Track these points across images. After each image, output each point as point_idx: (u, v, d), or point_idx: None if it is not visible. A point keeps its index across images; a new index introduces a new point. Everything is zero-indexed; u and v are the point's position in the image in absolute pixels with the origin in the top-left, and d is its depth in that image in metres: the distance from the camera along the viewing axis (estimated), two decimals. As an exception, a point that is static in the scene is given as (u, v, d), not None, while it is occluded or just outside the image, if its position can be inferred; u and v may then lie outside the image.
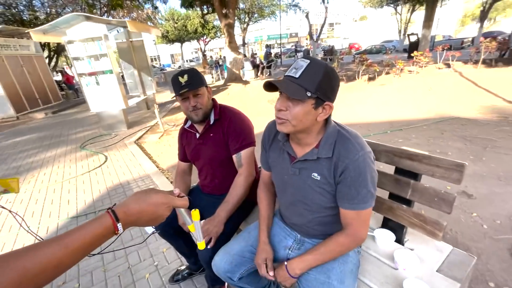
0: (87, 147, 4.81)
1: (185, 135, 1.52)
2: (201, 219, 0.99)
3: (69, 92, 12.85)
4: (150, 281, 1.75)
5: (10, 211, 0.85)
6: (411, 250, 1.16)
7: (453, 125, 3.97)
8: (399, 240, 1.21)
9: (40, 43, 11.93)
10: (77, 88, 13.65)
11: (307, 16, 17.68)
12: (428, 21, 11.16)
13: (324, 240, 0.93)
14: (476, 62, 8.85)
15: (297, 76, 0.78)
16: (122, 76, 7.10)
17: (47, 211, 2.77)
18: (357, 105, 5.84)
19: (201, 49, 31.48)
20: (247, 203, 1.46)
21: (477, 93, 5.61)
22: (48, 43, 15.03)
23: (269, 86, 0.81)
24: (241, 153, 1.35)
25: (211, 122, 1.37)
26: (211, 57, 21.25)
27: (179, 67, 19.22)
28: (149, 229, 2.27)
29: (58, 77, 14.63)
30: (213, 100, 1.42)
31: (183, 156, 1.58)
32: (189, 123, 1.47)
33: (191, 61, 32.93)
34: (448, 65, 9.09)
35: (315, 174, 0.89)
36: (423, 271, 1.05)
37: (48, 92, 10.85)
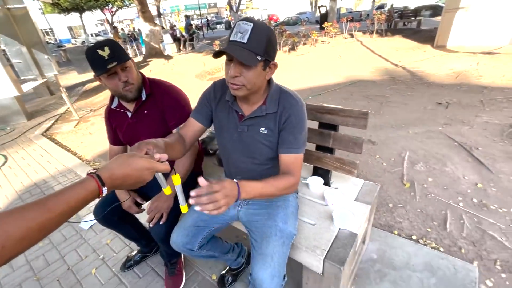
0: None
1: (113, 116, 1.39)
2: (151, 198, 0.99)
3: None
4: (99, 275, 1.65)
5: None
6: (336, 189, 1.44)
7: (359, 87, 4.70)
8: (327, 183, 1.47)
9: None
10: None
11: (224, -15, 16.94)
12: (334, -7, 12.20)
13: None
14: (371, 32, 10.32)
15: (245, 41, 0.81)
16: (5, 56, 5.62)
17: None
18: (280, 75, 6.20)
19: (107, 20, 26.97)
20: (194, 176, 1.49)
21: (374, 59, 6.67)
22: None
23: (218, 53, 0.84)
24: (181, 126, 1.35)
25: (143, 98, 1.30)
26: (122, 29, 18.54)
27: (83, 42, 16.13)
28: (85, 225, 2.09)
29: None
30: (141, 74, 1.33)
31: (114, 139, 1.46)
32: (115, 102, 1.35)
33: (97, 35, 27.96)
34: (352, 35, 10.35)
35: (263, 129, 0.99)
36: (346, 202, 1.32)
37: None
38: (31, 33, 5.95)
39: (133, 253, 1.72)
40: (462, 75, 4.58)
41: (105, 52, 1.09)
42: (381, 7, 20.77)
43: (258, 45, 0.82)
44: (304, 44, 9.40)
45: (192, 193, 0.70)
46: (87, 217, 2.14)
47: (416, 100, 3.80)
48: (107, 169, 0.57)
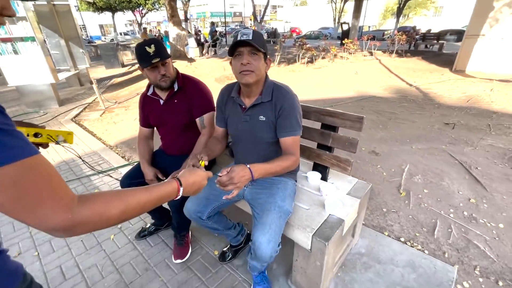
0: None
1: (147, 102, 1.64)
2: (169, 171, 1.24)
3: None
4: (116, 241, 1.88)
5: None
6: (332, 183, 1.61)
7: (370, 102, 4.84)
8: (325, 178, 1.65)
9: None
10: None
11: (251, -4, 17.59)
12: (357, 12, 12.46)
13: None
14: (391, 52, 10.45)
15: (250, 38, 1.08)
16: (46, 47, 6.16)
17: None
18: (296, 85, 6.43)
19: (136, 21, 28.39)
20: (210, 160, 1.72)
21: (390, 78, 6.80)
22: None
23: (235, 45, 1.10)
24: (204, 116, 1.58)
25: (175, 89, 1.55)
26: (150, 30, 19.50)
27: (112, 40, 17.13)
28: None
29: None
30: (176, 69, 1.58)
31: (144, 122, 1.71)
32: (151, 90, 1.60)
33: (125, 34, 29.44)
34: (371, 53, 10.51)
35: (261, 117, 1.22)
36: (338, 195, 1.50)
37: None
38: (70, 28, 6.49)
39: (147, 226, 1.95)
40: (474, 99, 4.65)
41: (151, 49, 1.34)
42: (403, 28, 20.87)
43: (259, 42, 1.11)
44: (323, 58, 9.64)
45: (217, 178, 1.02)
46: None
47: (424, 119, 3.92)
48: (183, 176, 0.75)
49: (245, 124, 1.27)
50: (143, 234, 1.89)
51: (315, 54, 9.45)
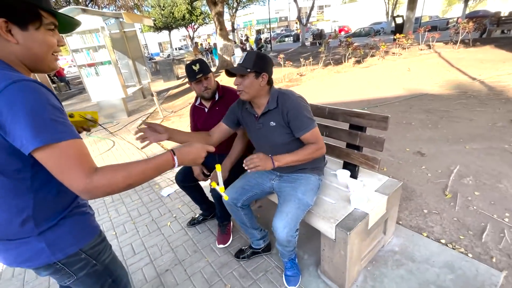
0: (93, 134, 5.20)
1: (196, 111, 1.96)
2: (212, 168, 1.49)
3: (61, 85, 12.91)
4: (172, 227, 2.25)
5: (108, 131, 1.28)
6: (361, 181, 1.68)
7: (421, 100, 4.51)
8: (354, 176, 1.72)
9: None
10: (68, 80, 13.69)
11: (295, 0, 17.70)
12: (412, 2, 11.47)
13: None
14: (455, 42, 9.33)
15: (241, 62, 1.31)
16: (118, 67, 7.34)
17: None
18: (340, 86, 6.31)
19: (189, 36, 31.00)
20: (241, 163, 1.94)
21: (449, 72, 6.15)
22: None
23: (228, 73, 1.35)
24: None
25: (216, 98, 1.83)
26: (201, 44, 21.16)
27: (168, 55, 19.17)
28: (165, 193, 2.77)
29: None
30: (217, 82, 1.87)
31: (194, 128, 2.03)
32: (198, 101, 1.92)
33: (180, 49, 32.44)
34: (429, 46, 9.57)
35: (272, 122, 1.40)
36: (366, 191, 1.57)
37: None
38: (136, 49, 7.60)
39: (196, 216, 2.27)
40: (557, 91, 3.95)
41: (196, 67, 1.67)
42: (475, 13, 18.28)
43: (248, 62, 1.30)
44: (373, 56, 9.18)
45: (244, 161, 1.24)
46: (165, 189, 2.83)
47: (486, 116, 3.50)
48: (178, 148, 0.87)
49: (259, 131, 1.47)
50: (193, 223, 2.22)
51: (362, 53, 9.05)
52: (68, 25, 0.80)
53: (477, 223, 1.87)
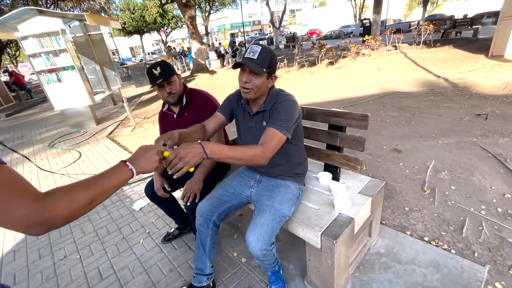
0: (57, 145, 4.77)
1: (164, 117, 1.80)
2: (183, 183, 1.30)
3: (21, 93, 11.91)
4: (145, 245, 2.05)
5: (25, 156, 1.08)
6: (343, 183, 1.62)
7: (393, 98, 4.65)
8: (336, 178, 1.66)
9: (-21, 40, 10.79)
10: (29, 88, 12.68)
11: (267, 4, 17.92)
12: (377, 6, 12.01)
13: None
14: (418, 43, 9.89)
15: (255, 58, 1.14)
16: (84, 73, 6.86)
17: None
18: (315, 87, 6.38)
19: (162, 40, 30.22)
20: (221, 166, 1.82)
21: (415, 71, 6.45)
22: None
23: (237, 65, 1.19)
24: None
25: (184, 103, 1.68)
26: (174, 48, 20.66)
27: (141, 60, 18.48)
28: (137, 207, 2.55)
29: (5, 78, 13.36)
30: (184, 85, 1.72)
31: (163, 135, 1.87)
32: (166, 106, 1.76)
33: (153, 53, 31.48)
34: (396, 47, 10.05)
35: (264, 122, 1.28)
36: (349, 194, 1.50)
37: (-3, 94, 10.00)
38: (103, 53, 7.16)
39: (172, 230, 2.09)
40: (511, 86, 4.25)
41: (157, 71, 1.51)
42: (433, 16, 19.61)
43: (264, 61, 1.15)
44: (344, 57, 9.44)
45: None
46: (137, 202, 2.61)
47: (453, 111, 3.67)
48: (130, 157, 0.81)
49: (252, 129, 1.35)
50: (168, 238, 2.04)
51: (334, 54, 9.29)
52: None
53: (456, 218, 1.89)
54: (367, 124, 1.44)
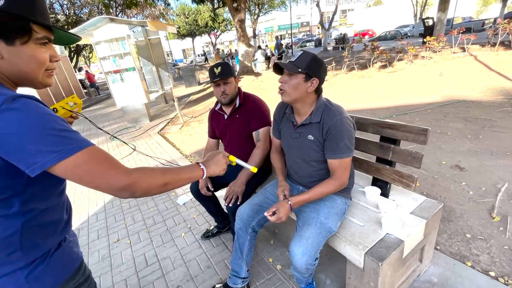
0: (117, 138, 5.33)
1: (214, 116, 1.87)
2: (226, 184, 1.35)
3: (91, 90, 13.62)
4: (186, 239, 2.16)
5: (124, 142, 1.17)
6: (393, 200, 1.48)
7: (457, 107, 4.12)
8: (385, 194, 1.53)
9: (63, 44, 12.64)
10: (97, 86, 14.43)
11: (317, 5, 17.50)
12: (443, 3, 10.84)
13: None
14: (493, 44, 8.63)
15: (294, 60, 1.17)
16: (142, 73, 7.58)
17: (93, 192, 3.27)
18: (367, 92, 6.01)
19: (212, 42, 31.75)
20: (263, 171, 1.82)
21: (488, 76, 5.64)
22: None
23: (276, 67, 1.22)
24: (259, 131, 1.70)
25: (236, 105, 1.73)
26: (222, 50, 21.53)
27: (191, 62, 19.69)
28: (181, 201, 2.70)
29: (80, 76, 15.44)
30: (239, 88, 1.77)
31: (212, 134, 1.94)
32: (218, 105, 1.83)
33: (202, 55, 33.30)
34: (464, 49, 8.93)
35: (310, 136, 1.24)
36: (399, 213, 1.37)
37: (73, 90, 11.60)
38: (160, 56, 7.81)
39: (211, 228, 2.17)
40: None
41: (217, 70, 1.60)
42: None
43: (301, 62, 1.15)
44: (400, 60, 8.73)
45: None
46: (181, 197, 2.77)
47: (536, 126, 3.11)
48: (203, 160, 0.91)
49: (295, 140, 1.32)
50: (207, 235, 2.12)
51: (388, 57, 8.64)
52: (66, 37, 0.73)
53: (534, 254, 1.59)
54: (426, 139, 1.30)
